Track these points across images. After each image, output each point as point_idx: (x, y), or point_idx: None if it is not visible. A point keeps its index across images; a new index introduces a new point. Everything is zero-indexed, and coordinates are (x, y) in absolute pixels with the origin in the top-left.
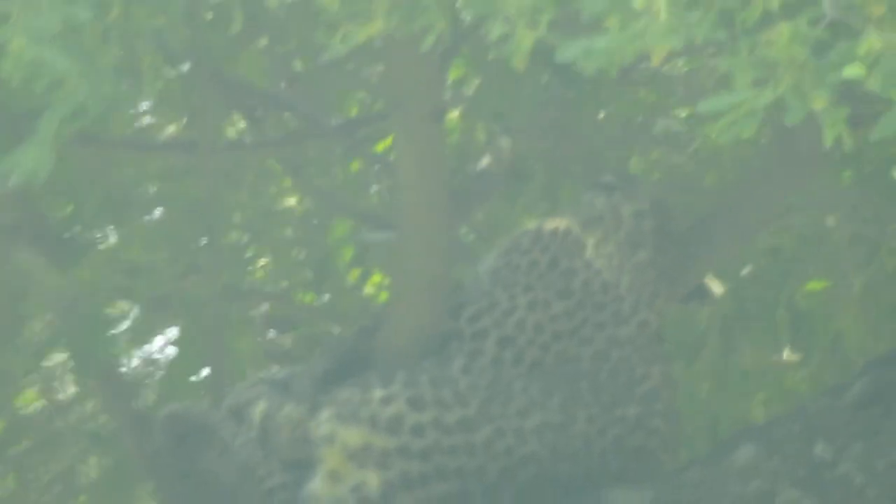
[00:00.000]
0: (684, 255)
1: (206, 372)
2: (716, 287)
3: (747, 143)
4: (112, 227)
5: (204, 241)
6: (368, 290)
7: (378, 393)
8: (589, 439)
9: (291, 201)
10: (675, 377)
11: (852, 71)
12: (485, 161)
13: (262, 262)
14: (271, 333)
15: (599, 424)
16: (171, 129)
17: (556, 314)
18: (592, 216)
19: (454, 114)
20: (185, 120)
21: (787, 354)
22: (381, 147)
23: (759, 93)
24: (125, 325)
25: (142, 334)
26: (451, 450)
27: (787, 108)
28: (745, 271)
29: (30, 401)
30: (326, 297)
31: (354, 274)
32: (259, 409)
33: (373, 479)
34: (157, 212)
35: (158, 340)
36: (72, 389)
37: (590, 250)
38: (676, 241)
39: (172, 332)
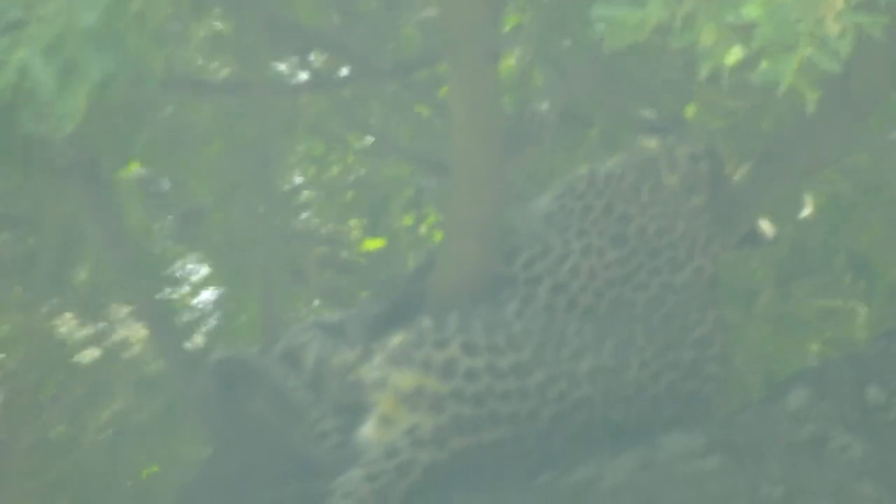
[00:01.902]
0: (739, 199)
1: (256, 315)
2: (769, 230)
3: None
4: (163, 168)
5: (257, 183)
6: (423, 231)
7: (431, 337)
8: (642, 384)
9: (347, 143)
10: (729, 322)
11: (750, 11)
12: (541, 105)
13: (317, 204)
14: (326, 276)
15: (653, 369)
16: (224, 72)
17: (610, 260)
18: (647, 159)
19: (510, 60)
20: (238, 62)
21: (844, 301)
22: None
23: (655, 11)
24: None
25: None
26: (505, 395)
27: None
28: (804, 216)
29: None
30: (381, 238)
31: (409, 216)
32: (311, 353)
33: (426, 423)
34: (210, 153)
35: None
36: (122, 333)
37: (644, 195)
38: (731, 185)
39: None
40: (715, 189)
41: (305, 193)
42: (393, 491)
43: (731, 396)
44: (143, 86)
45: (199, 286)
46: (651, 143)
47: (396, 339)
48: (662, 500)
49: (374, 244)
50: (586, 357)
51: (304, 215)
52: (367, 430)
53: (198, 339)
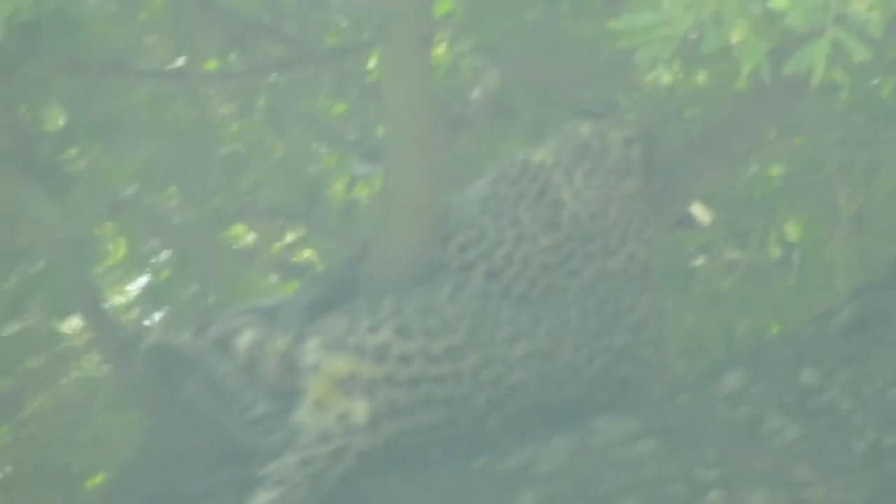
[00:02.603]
0: (673, 183)
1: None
2: (704, 214)
3: (736, 75)
4: (100, 154)
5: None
6: (357, 217)
7: (365, 321)
8: (576, 368)
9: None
10: (663, 305)
11: (777, 3)
12: (473, 94)
13: (251, 188)
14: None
15: (587, 353)
16: (160, 57)
17: (544, 246)
18: (579, 144)
19: (440, 49)
20: (173, 47)
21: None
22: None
23: (680, 17)
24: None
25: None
26: (439, 378)
27: (706, 36)
28: (736, 199)
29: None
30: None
31: (342, 199)
32: (245, 338)
33: (360, 408)
34: (146, 138)
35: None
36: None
37: (578, 180)
38: (665, 169)
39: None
40: (649, 173)
41: (242, 179)
42: (327, 476)
43: (666, 381)
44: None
45: (135, 273)
46: (584, 127)
47: (330, 324)
48: (598, 484)
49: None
50: (520, 341)
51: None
52: (301, 415)
53: (134, 327)
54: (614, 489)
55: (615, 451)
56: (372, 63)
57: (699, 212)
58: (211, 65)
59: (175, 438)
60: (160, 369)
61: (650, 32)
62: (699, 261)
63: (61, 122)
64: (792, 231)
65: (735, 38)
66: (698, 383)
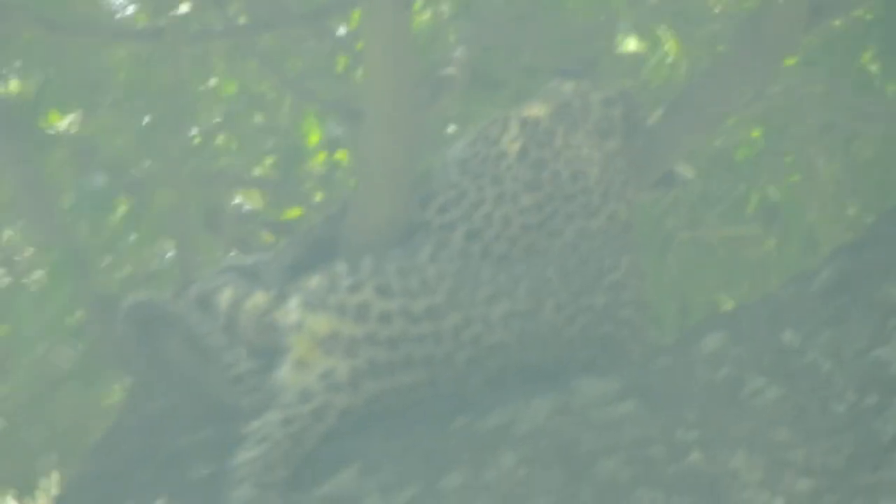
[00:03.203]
0: (653, 143)
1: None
2: (686, 171)
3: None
4: (78, 114)
5: (171, 128)
6: (337, 177)
7: (346, 281)
8: (556, 328)
9: (260, 88)
10: (643, 266)
11: None
12: (455, 53)
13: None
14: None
15: (567, 312)
16: (139, 17)
17: (524, 207)
18: (561, 104)
19: (425, 15)
20: (152, 7)
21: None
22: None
23: None
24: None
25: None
26: (419, 338)
27: None
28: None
29: None
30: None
31: (321, 159)
32: (226, 296)
33: (341, 367)
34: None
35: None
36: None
37: (559, 140)
38: (645, 130)
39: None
40: (629, 134)
41: (220, 139)
42: (308, 435)
43: (647, 341)
44: None
45: (112, 231)
46: (565, 87)
47: (311, 283)
48: (578, 445)
49: (292, 213)
50: (501, 301)
51: (219, 161)
52: (283, 374)
53: (113, 285)
54: (595, 450)
55: (596, 412)
56: (354, 23)
57: (681, 169)
58: (190, 25)
59: (157, 397)
60: (140, 327)
61: None
62: (678, 224)
63: (37, 82)
64: (773, 194)
65: None
66: (679, 345)
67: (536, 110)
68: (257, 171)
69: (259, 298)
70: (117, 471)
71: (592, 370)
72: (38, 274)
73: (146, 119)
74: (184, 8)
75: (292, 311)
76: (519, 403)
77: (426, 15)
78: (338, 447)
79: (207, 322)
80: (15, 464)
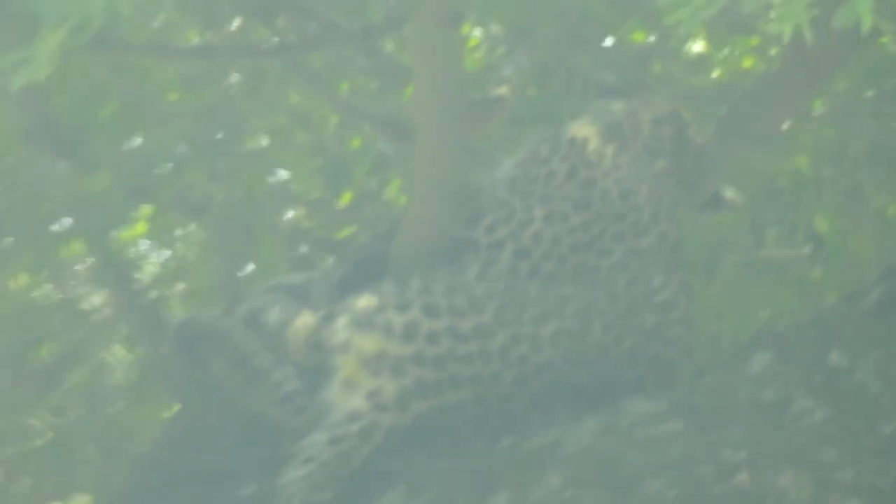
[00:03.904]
0: (702, 165)
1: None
2: (733, 195)
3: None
4: (130, 133)
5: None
6: (387, 196)
7: (393, 300)
8: (605, 348)
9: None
10: (693, 286)
11: None
12: (506, 72)
13: (282, 168)
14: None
15: (616, 333)
16: (190, 36)
17: (573, 226)
18: (610, 123)
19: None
20: (204, 26)
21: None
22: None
23: None
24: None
25: (159, 233)
26: (466, 357)
27: None
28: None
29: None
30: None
31: (373, 180)
32: (274, 315)
33: (388, 387)
34: (176, 118)
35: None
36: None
37: (608, 159)
38: (694, 150)
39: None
40: (679, 154)
41: (270, 157)
42: (355, 454)
43: (694, 360)
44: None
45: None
46: (615, 106)
47: (359, 302)
48: (624, 464)
49: (343, 232)
50: (549, 321)
51: (269, 179)
52: (331, 394)
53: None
54: (641, 470)
55: (642, 432)
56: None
57: (729, 193)
58: (242, 44)
59: (203, 416)
60: (189, 346)
61: (689, 3)
62: (726, 251)
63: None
64: (820, 221)
65: None
66: (726, 365)
67: (586, 130)
68: (306, 189)
69: (307, 319)
70: (161, 488)
71: (639, 390)
72: (89, 290)
73: (196, 137)
74: (234, 26)
75: (340, 330)
76: (565, 423)
77: (480, 52)
78: (384, 467)
79: (255, 341)
80: (60, 478)
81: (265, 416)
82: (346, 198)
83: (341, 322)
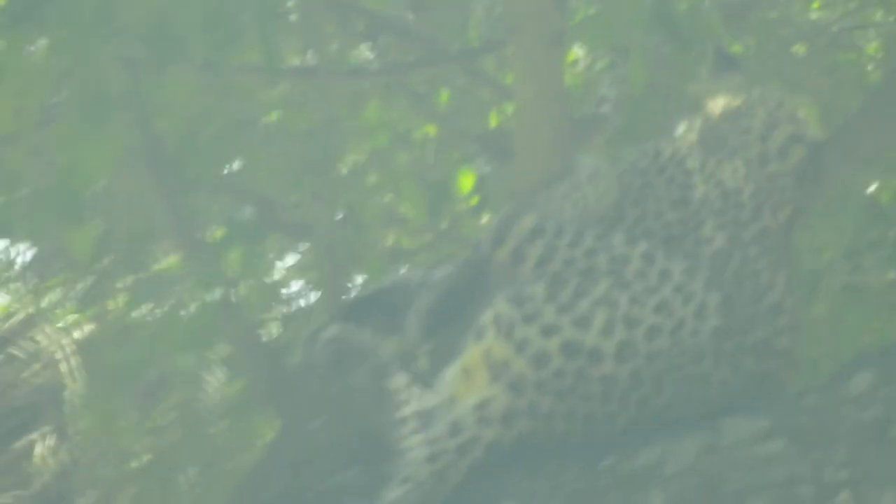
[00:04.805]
0: (818, 165)
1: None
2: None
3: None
4: (231, 154)
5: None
6: (486, 218)
7: (543, 319)
8: (726, 383)
9: (408, 126)
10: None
11: None
12: (608, 91)
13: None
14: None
15: (737, 361)
16: (292, 56)
17: (667, 221)
18: (718, 126)
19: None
20: (305, 47)
21: None
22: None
23: None
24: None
25: (258, 259)
26: (586, 397)
27: None
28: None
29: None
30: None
31: (473, 200)
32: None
33: (500, 400)
34: (277, 138)
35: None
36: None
37: (711, 167)
38: (809, 151)
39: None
40: (792, 156)
41: (371, 178)
42: (454, 472)
43: (800, 371)
44: None
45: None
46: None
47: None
48: (726, 484)
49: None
50: (685, 368)
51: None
52: (448, 376)
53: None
54: (742, 489)
55: (744, 451)
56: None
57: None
58: (345, 64)
59: (305, 438)
60: (335, 360)
61: None
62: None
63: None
64: None
65: None
66: (828, 384)
67: (685, 142)
68: (408, 210)
69: (399, 380)
70: None
71: (741, 408)
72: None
73: (297, 156)
74: (334, 46)
75: (486, 319)
76: (667, 443)
77: (580, 67)
78: (485, 487)
79: (396, 357)
80: (159, 500)
81: (384, 436)
82: (446, 219)
83: (490, 313)
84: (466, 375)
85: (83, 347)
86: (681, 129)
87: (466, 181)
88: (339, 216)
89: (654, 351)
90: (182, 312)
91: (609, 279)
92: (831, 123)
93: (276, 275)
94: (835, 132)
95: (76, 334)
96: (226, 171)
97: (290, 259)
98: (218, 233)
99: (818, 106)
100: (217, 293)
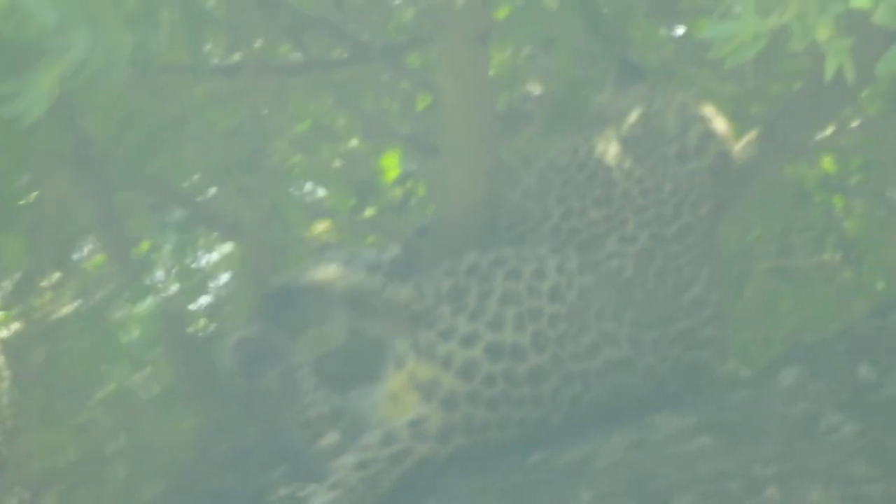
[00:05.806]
0: (739, 172)
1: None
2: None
3: (796, 75)
4: (157, 152)
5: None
6: (412, 210)
7: (462, 329)
8: (652, 370)
9: (336, 124)
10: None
11: (859, 2)
12: (533, 87)
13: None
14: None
15: (661, 349)
16: (215, 54)
17: (593, 220)
18: (633, 125)
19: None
20: (229, 44)
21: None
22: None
23: (763, 20)
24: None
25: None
26: (519, 401)
27: (791, 35)
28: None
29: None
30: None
31: (397, 191)
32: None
33: (435, 418)
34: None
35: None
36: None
37: (628, 164)
38: (721, 150)
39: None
40: (707, 154)
41: (296, 173)
42: (383, 479)
43: (728, 359)
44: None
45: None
46: (669, 116)
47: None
48: (655, 479)
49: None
50: (602, 349)
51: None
52: (374, 402)
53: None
54: (671, 485)
55: (672, 447)
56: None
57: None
58: (268, 61)
59: (230, 438)
60: (247, 361)
61: (734, 39)
62: (754, 258)
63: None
64: (850, 229)
65: (820, 36)
66: (756, 379)
67: (605, 139)
68: (335, 203)
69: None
70: None
71: (669, 403)
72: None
73: (223, 154)
74: (259, 44)
75: (400, 348)
76: (596, 439)
77: (506, 53)
78: (413, 485)
79: (309, 362)
80: (87, 495)
81: (289, 437)
82: (370, 210)
83: (403, 344)
84: (395, 400)
85: (8, 346)
86: (595, 128)
87: (391, 165)
88: (266, 211)
89: (560, 335)
90: (112, 317)
91: (502, 269)
92: (759, 111)
93: (206, 268)
94: (765, 126)
95: (2, 333)
96: (153, 170)
97: (218, 253)
98: (145, 235)
99: (743, 91)
100: (147, 301)
